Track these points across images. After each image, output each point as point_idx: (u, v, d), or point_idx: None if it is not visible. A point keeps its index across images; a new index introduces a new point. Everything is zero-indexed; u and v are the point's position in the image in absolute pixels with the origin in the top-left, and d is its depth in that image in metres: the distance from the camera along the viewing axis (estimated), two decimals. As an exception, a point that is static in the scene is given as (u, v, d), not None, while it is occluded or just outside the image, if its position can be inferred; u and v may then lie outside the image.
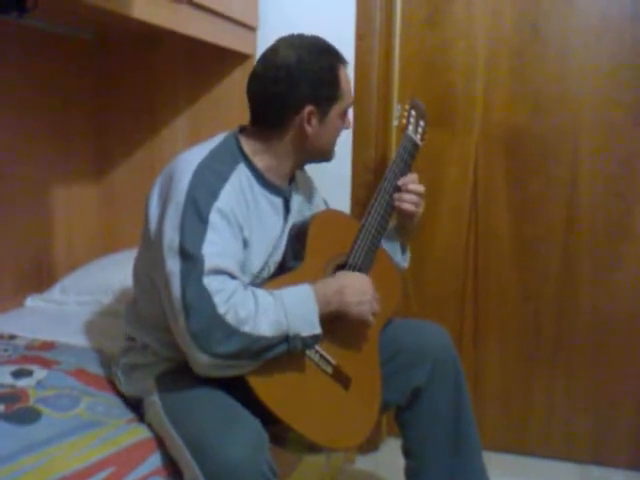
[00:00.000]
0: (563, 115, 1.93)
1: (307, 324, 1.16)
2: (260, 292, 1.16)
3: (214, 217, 1.15)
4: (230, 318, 1.09)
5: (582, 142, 1.93)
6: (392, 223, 1.53)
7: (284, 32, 1.95)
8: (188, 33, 1.64)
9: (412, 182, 1.47)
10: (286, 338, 1.14)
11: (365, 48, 1.95)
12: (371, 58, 1.95)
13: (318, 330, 1.17)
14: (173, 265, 1.13)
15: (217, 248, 1.14)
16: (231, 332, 1.09)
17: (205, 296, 1.09)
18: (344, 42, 1.90)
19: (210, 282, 1.11)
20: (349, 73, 1.37)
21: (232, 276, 1.14)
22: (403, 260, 1.57)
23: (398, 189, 1.47)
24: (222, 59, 2.00)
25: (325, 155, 1.40)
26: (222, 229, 1.16)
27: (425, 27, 1.99)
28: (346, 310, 1.25)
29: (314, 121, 1.29)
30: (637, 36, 1.85)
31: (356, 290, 1.26)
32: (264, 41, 1.99)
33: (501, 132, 1.98)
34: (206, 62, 2.05)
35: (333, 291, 1.23)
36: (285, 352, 1.15)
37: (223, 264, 1.13)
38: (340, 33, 1.94)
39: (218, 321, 1.09)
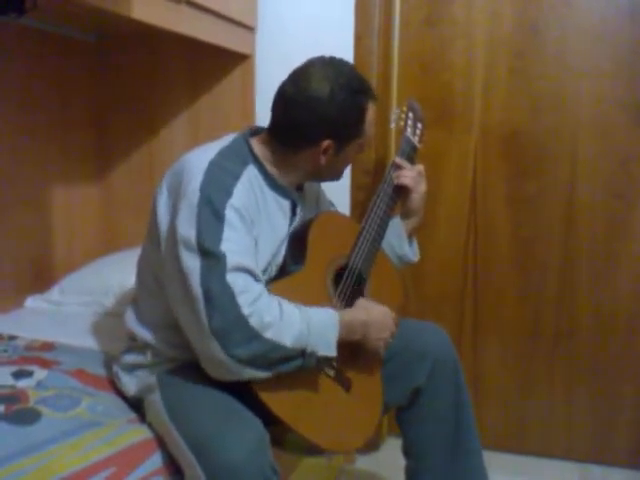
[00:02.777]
0: (562, 115, 1.94)
1: (326, 345, 1.17)
2: (285, 302, 1.17)
3: (229, 214, 1.15)
4: (254, 321, 1.09)
5: (581, 142, 1.93)
6: (398, 213, 1.55)
7: (283, 33, 1.98)
8: (187, 33, 1.64)
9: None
10: (302, 353, 1.14)
11: (364, 49, 1.95)
12: (370, 59, 1.96)
13: (334, 354, 1.18)
14: (191, 262, 1.12)
15: (236, 245, 1.14)
16: (253, 336, 1.09)
17: (228, 294, 1.09)
18: (343, 43, 1.93)
19: (234, 280, 1.10)
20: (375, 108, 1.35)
21: (254, 276, 1.15)
22: (412, 253, 1.56)
23: (398, 168, 1.50)
24: (221, 59, 2.00)
25: (333, 179, 1.42)
26: (238, 226, 1.16)
27: (424, 27, 1.99)
28: (365, 342, 1.29)
29: (330, 153, 1.30)
30: (636, 36, 1.85)
31: (380, 326, 1.29)
32: (263, 41, 2.00)
33: (500, 132, 1.98)
34: (205, 62, 2.05)
35: (360, 323, 1.26)
36: (298, 367, 1.15)
37: (245, 262, 1.13)
38: (339, 33, 1.95)
39: (241, 322, 1.08)
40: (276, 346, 1.11)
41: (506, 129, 1.98)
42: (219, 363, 1.10)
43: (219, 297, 1.09)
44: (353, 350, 1.31)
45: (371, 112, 1.32)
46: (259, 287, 1.14)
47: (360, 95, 1.29)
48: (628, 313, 1.96)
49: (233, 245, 1.13)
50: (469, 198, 2.04)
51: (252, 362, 1.10)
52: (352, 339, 1.25)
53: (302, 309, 1.17)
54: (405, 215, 1.55)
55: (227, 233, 1.14)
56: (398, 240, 1.53)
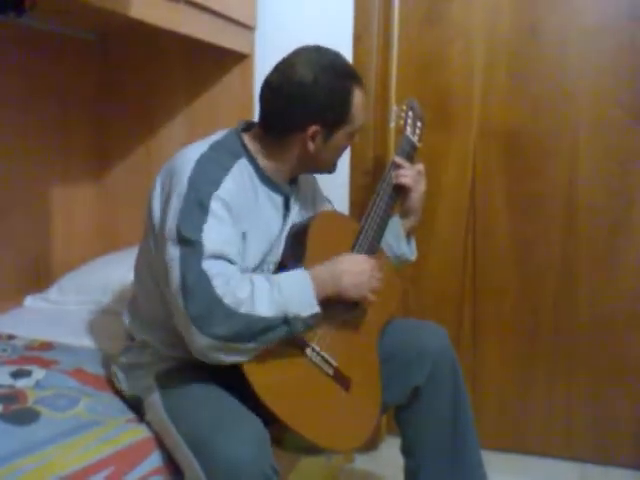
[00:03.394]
0: (561, 114, 1.93)
1: (305, 304, 1.16)
2: (256, 276, 1.18)
3: (215, 205, 1.16)
4: (228, 300, 1.10)
5: (580, 142, 1.93)
6: (397, 213, 1.54)
7: (282, 32, 1.98)
8: (186, 33, 1.64)
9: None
10: (285, 319, 1.14)
11: (363, 49, 1.95)
12: (369, 58, 1.95)
13: (317, 309, 1.17)
14: (173, 252, 1.14)
15: (217, 235, 1.15)
16: (230, 314, 1.10)
17: (204, 279, 1.10)
18: (342, 42, 1.92)
19: (210, 267, 1.11)
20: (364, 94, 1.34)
21: (231, 262, 1.15)
22: (410, 252, 1.55)
23: (397, 167, 1.50)
24: (220, 59, 2.00)
25: (326, 169, 1.41)
26: (222, 217, 1.17)
27: (423, 27, 1.99)
28: (345, 294, 1.25)
29: (318, 140, 1.30)
30: (635, 36, 1.85)
31: (353, 273, 1.26)
32: (262, 41, 2.00)
33: (499, 132, 1.98)
34: (204, 62, 2.05)
35: (329, 275, 1.24)
36: (288, 334, 1.15)
37: (223, 249, 1.14)
38: (338, 33, 1.95)
39: (217, 303, 1.09)
40: (254, 319, 1.11)
41: (506, 128, 1.98)
42: (205, 345, 1.10)
43: (195, 284, 1.10)
44: (344, 332, 1.30)
45: (358, 97, 1.31)
46: (232, 268, 1.15)
47: (345, 79, 1.29)
48: (628, 313, 1.96)
49: (214, 234, 1.14)
50: (468, 197, 2.03)
51: (235, 338, 1.10)
52: (327, 293, 1.22)
53: (270, 277, 1.18)
54: (404, 214, 1.55)
55: (210, 223, 1.15)
56: (396, 239, 1.53)
